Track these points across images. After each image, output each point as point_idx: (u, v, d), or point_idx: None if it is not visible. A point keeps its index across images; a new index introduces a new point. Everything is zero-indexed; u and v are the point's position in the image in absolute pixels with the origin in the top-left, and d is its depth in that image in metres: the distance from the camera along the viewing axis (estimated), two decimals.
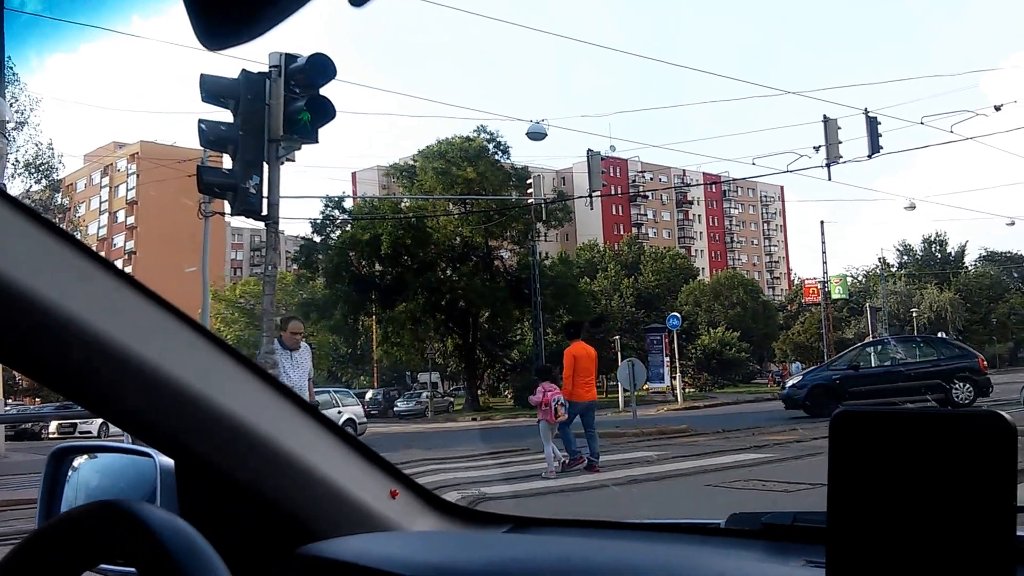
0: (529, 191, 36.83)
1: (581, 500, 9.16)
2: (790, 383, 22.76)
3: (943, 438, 0.79)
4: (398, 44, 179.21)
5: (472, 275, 43.97)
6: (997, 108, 21.54)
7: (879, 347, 23.98)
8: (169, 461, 1.47)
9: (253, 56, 9.35)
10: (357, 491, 1.38)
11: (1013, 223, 54.74)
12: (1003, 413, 0.77)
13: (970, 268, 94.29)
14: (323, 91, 9.26)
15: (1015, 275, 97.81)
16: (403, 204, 46.96)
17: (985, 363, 22.53)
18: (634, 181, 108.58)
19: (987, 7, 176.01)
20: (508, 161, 46.11)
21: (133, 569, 0.86)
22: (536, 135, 25.06)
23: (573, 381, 12.07)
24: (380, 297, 44.67)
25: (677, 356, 41.05)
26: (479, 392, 49.25)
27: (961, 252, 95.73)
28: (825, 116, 20.43)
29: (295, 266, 51.93)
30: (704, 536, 1.41)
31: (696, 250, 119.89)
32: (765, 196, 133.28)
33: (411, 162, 47.77)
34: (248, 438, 1.21)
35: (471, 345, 47.26)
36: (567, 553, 1.38)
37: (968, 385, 20.81)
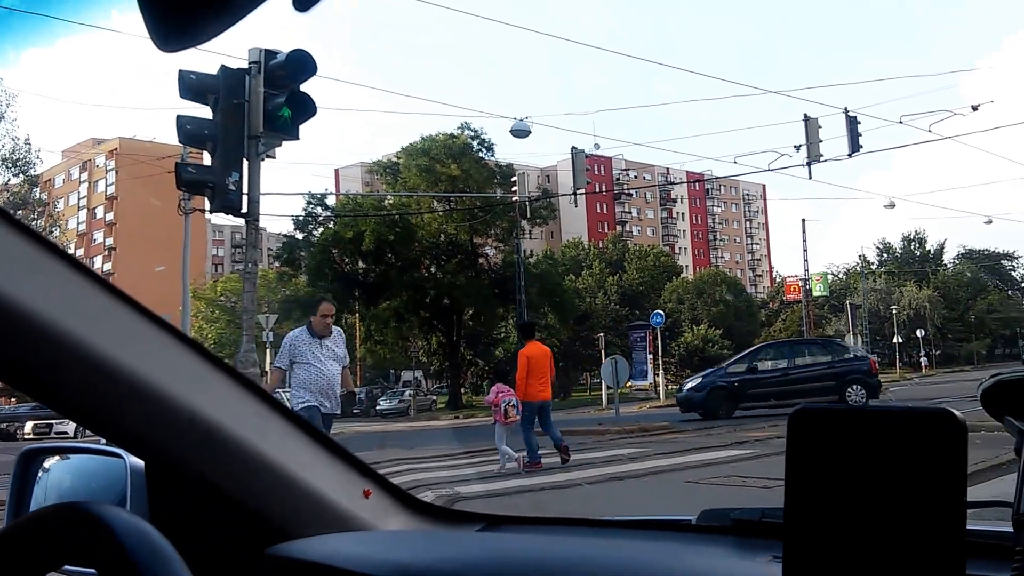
0: (514, 188, 36.84)
1: (557, 498, 9.12)
2: (688, 385, 22.37)
3: (896, 435, 0.81)
4: (381, 40, 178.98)
5: (456, 273, 43.94)
6: (974, 108, 21.67)
7: (774, 350, 24.06)
8: (140, 462, 1.47)
9: (233, 52, 9.24)
10: (330, 491, 1.37)
11: (991, 221, 55.05)
12: (954, 411, 0.78)
13: (948, 266, 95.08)
14: (304, 87, 9.22)
15: (993, 273, 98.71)
16: (387, 201, 46.89)
17: (877, 366, 22.73)
18: (618, 179, 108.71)
19: (964, 7, 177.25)
20: (492, 158, 46.10)
21: (94, 570, 0.86)
22: (520, 132, 25.03)
23: (527, 381, 12.12)
24: (363, 295, 44.57)
25: (660, 353, 41.18)
26: (462, 390, 49.24)
27: (940, 250, 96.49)
28: (806, 115, 20.54)
29: (277, 263, 51.72)
30: (676, 532, 1.43)
31: (680, 248, 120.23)
32: (747, 194, 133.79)
33: (395, 159, 47.69)
34: (218, 438, 1.20)
35: (455, 343, 47.24)
36: (538, 550, 1.39)
37: (861, 388, 20.89)
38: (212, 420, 1.19)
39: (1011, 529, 0.98)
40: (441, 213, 44.71)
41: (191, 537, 1.28)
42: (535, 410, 12.19)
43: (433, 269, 45.51)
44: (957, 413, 0.78)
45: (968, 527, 1.01)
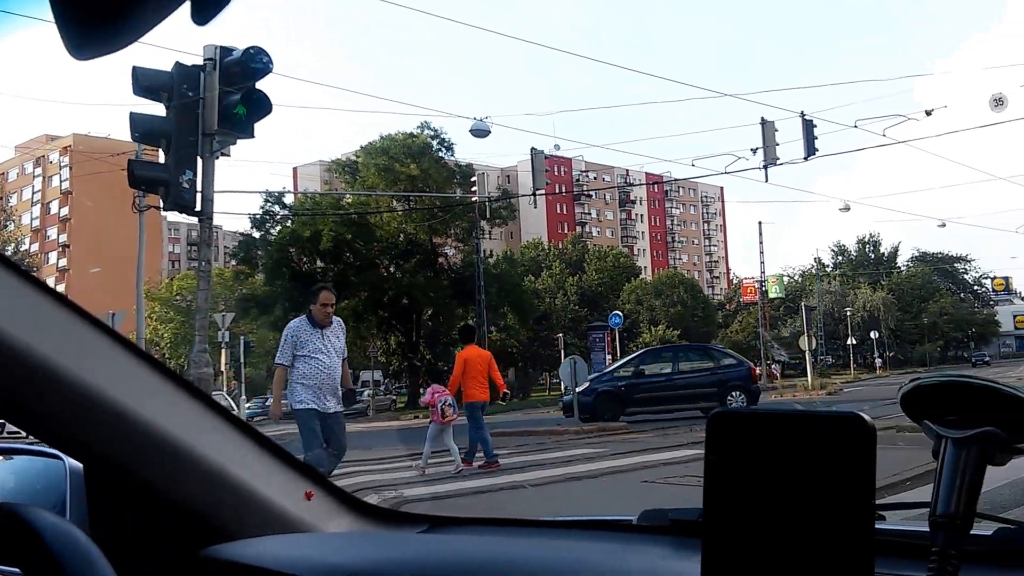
0: (473, 189, 36.84)
1: (508, 499, 9.07)
2: (576, 389, 21.64)
3: (809, 437, 0.82)
4: (339, 38, 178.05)
5: (415, 273, 43.81)
6: (928, 113, 21.84)
7: (659, 355, 24.11)
8: (79, 464, 1.45)
9: (188, 48, 9.14)
10: (271, 493, 1.37)
11: (944, 225, 55.92)
12: (863, 414, 0.81)
13: (902, 269, 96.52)
14: (260, 85, 9.14)
15: (946, 276, 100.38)
16: (345, 200, 46.65)
17: (756, 372, 23.13)
18: (578, 180, 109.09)
19: (922, 14, 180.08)
20: (452, 158, 46.03)
21: (18, 570, 0.88)
22: (479, 132, 24.99)
23: (463, 382, 12.32)
24: None
25: (619, 354, 41.31)
26: (421, 390, 49.08)
27: (894, 253, 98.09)
28: (763, 119, 20.69)
29: (234, 262, 51.24)
30: (618, 533, 1.43)
31: (639, 249, 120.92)
32: (706, 196, 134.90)
33: (353, 158, 47.45)
34: (157, 440, 1.20)
35: (414, 343, 47.11)
36: (479, 551, 1.39)
37: (741, 394, 21.19)
38: (149, 422, 1.18)
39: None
40: (400, 213, 44.56)
41: (130, 539, 1.31)
42: (470, 410, 12.38)
43: (392, 269, 45.34)
44: (867, 417, 0.80)
45: (893, 527, 1.08)
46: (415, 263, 44.47)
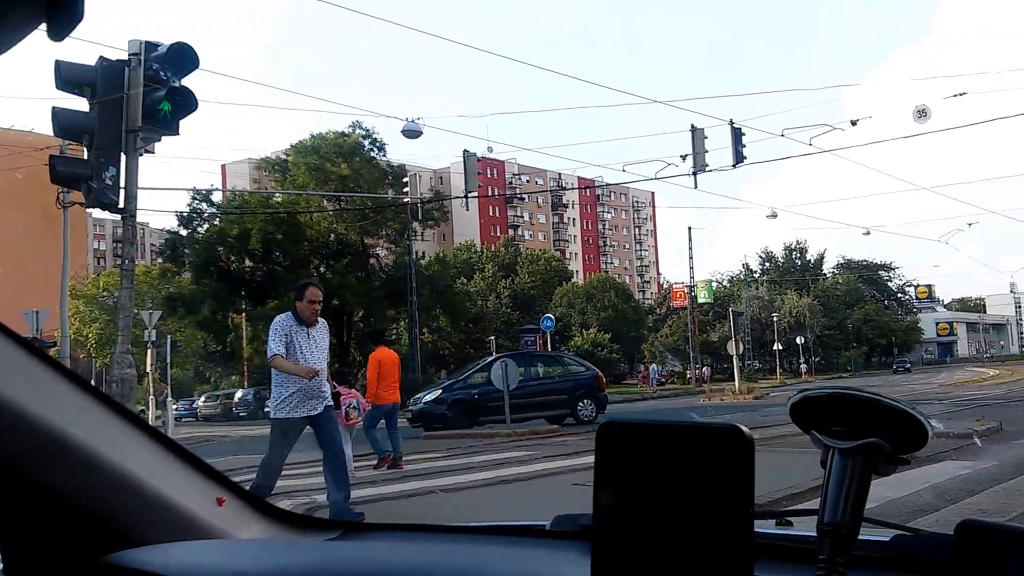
0: (405, 190, 36.63)
1: (420, 504, 9.00)
2: (427, 397, 21.30)
3: (691, 447, 0.87)
4: (270, 35, 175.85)
5: (346, 273, 43.45)
6: (853, 123, 22.23)
7: (512, 362, 23.82)
8: None
9: (113, 43, 8.91)
10: (181, 498, 1.36)
11: (869, 233, 57.55)
12: (741, 426, 0.85)
13: (828, 276, 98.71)
14: (186, 81, 8.96)
15: (870, 283, 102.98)
16: (275, 199, 46.06)
17: (604, 380, 23.22)
18: (511, 183, 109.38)
19: (851, 26, 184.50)
20: (384, 159, 45.74)
21: None
22: (411, 133, 24.86)
23: (377, 384, 12.45)
24: (250, 293, 43.68)
25: None
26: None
27: (820, 260, 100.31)
28: (693, 126, 20.86)
29: (160, 260, 50.26)
30: (530, 538, 1.45)
31: (571, 253, 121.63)
32: (637, 202, 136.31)
33: (283, 156, 46.84)
34: (62, 445, 1.18)
35: (345, 344, 46.70)
36: (391, 558, 1.40)
37: (591, 402, 21.40)
38: (56, 427, 1.17)
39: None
40: (331, 212, 44.17)
41: (34, 545, 1.30)
42: (385, 412, 12.50)
43: (322, 269, 44.88)
44: (744, 428, 0.85)
45: (791, 532, 1.12)
46: (346, 264, 44.11)
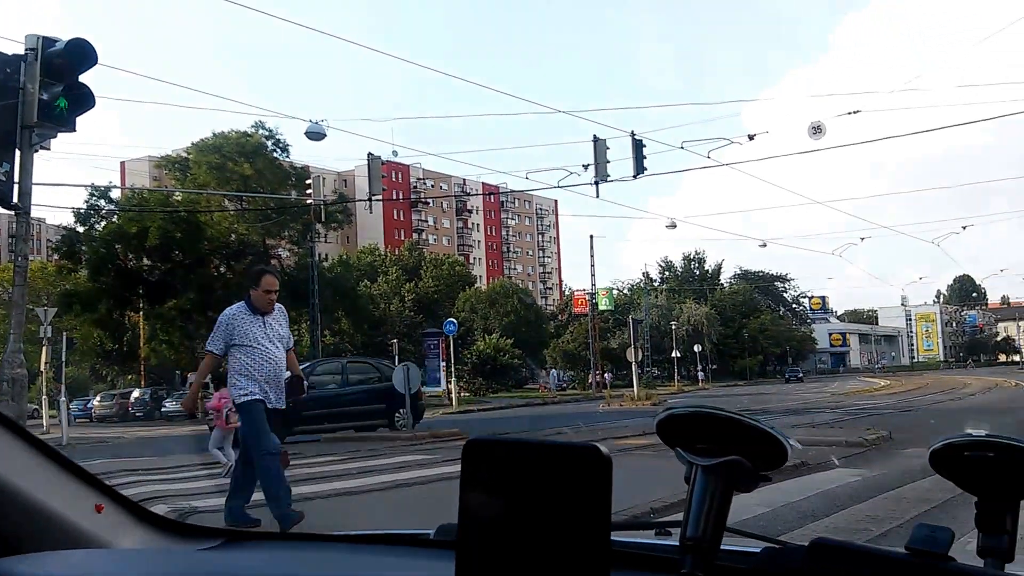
0: (308, 191, 36.23)
1: (319, 509, 8.53)
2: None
3: (552, 464, 0.91)
4: (172, 32, 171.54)
5: (247, 273, 42.74)
6: (751, 137, 22.57)
7: (327, 367, 23.00)
8: None
9: (8, 35, 8.69)
10: (57, 505, 1.33)
11: (765, 245, 59.52)
12: (600, 446, 0.89)
13: (725, 285, 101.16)
14: (84, 78, 8.78)
15: (766, 294, 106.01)
16: (175, 197, 45.07)
17: (422, 389, 22.62)
18: (415, 187, 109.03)
19: (751, 43, 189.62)
20: (288, 159, 45.19)
21: None
22: (315, 135, 24.68)
23: None
24: (148, 292, 42.65)
25: (453, 361, 41.62)
26: None
27: (717, 270, 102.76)
28: (595, 136, 21.14)
29: (57, 256, 48.65)
30: (413, 548, 1.47)
31: (474, 258, 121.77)
32: (540, 209, 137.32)
33: (184, 155, 45.89)
34: None
35: None
36: (273, 568, 1.41)
37: (408, 412, 20.65)
38: None
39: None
40: (232, 212, 43.41)
41: None
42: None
43: (223, 269, 44.08)
44: (603, 448, 0.89)
45: (662, 542, 1.22)
46: (247, 264, 43.41)
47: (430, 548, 1.44)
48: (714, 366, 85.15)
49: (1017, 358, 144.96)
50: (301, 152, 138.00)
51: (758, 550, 1.17)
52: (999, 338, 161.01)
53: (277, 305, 7.12)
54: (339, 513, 7.44)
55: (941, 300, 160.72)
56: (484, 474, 0.95)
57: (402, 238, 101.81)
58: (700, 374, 77.03)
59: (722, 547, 1.11)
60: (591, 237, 57.23)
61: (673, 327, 74.19)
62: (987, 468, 1.10)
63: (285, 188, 43.19)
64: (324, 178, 41.15)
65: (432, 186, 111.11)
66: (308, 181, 38.15)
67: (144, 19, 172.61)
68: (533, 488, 0.91)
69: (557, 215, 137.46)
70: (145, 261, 43.03)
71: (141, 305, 44.15)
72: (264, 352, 6.90)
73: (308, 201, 36.05)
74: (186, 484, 11.21)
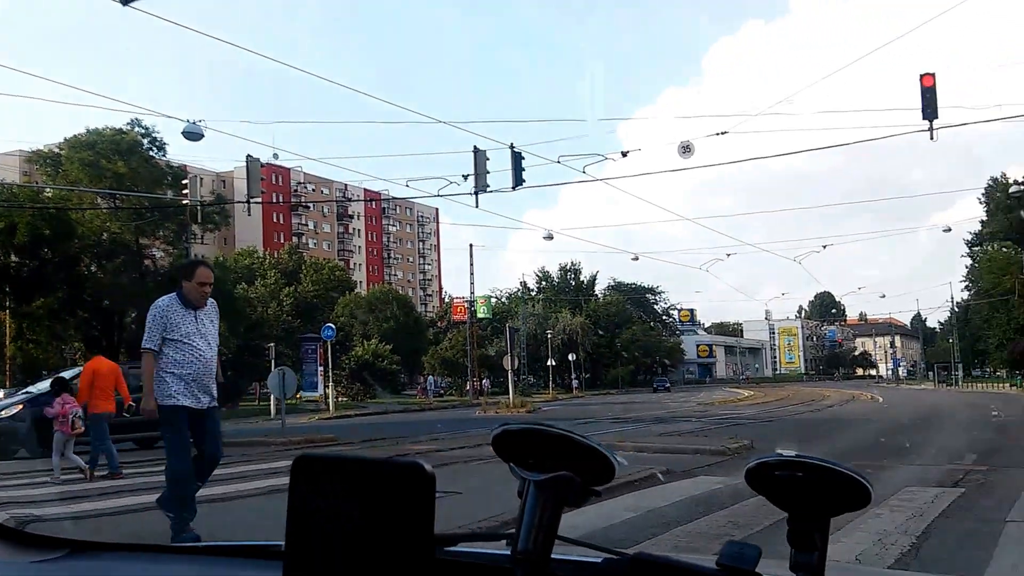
0: (185, 191, 35.72)
1: (154, 521, 7.62)
2: (3, 413, 17.03)
3: (377, 481, 0.94)
4: (46, 25, 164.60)
5: (119, 273, 41.75)
6: (624, 154, 23.13)
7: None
8: None
9: None
10: None
11: (637, 258, 61.50)
12: (423, 463, 0.93)
13: (599, 296, 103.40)
14: None
15: (638, 305, 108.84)
16: (45, 193, 43.61)
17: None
18: (296, 191, 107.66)
19: (628, 61, 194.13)
20: (164, 158, 44.31)
21: None
22: (192, 135, 24.43)
23: (91, 393, 12.36)
24: (15, 290, 41.11)
25: (331, 366, 41.53)
26: None
27: (592, 281, 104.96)
28: (475, 147, 21.57)
29: None
30: (264, 560, 1.41)
31: (355, 263, 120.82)
32: (422, 216, 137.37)
33: (56, 150, 44.47)
34: None
35: (115, 346, 44.72)
36: None
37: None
38: None
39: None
40: (105, 210, 42.29)
41: None
42: (95, 420, 12.33)
43: (93, 268, 42.87)
44: (427, 465, 0.92)
45: (492, 552, 1.25)
46: (119, 263, 42.39)
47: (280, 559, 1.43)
48: (588, 375, 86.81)
49: (873, 372, 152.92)
50: (179, 152, 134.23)
51: (599, 560, 1.20)
52: (856, 353, 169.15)
53: (210, 300, 6.79)
54: (204, 522, 7.00)
55: (803, 315, 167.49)
56: (312, 489, 0.97)
57: (281, 241, 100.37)
58: (574, 382, 78.39)
59: (560, 557, 1.16)
60: (471, 246, 58.07)
61: (549, 336, 75.39)
62: (796, 487, 1.12)
63: (161, 187, 42.29)
64: (202, 178, 40.72)
65: (313, 190, 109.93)
66: (185, 181, 37.60)
67: (18, 10, 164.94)
68: (358, 503, 0.93)
69: (438, 223, 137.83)
70: (13, 258, 41.48)
71: (7, 303, 42.53)
72: (195, 349, 6.51)
73: (184, 201, 35.52)
74: (30, 491, 10.78)
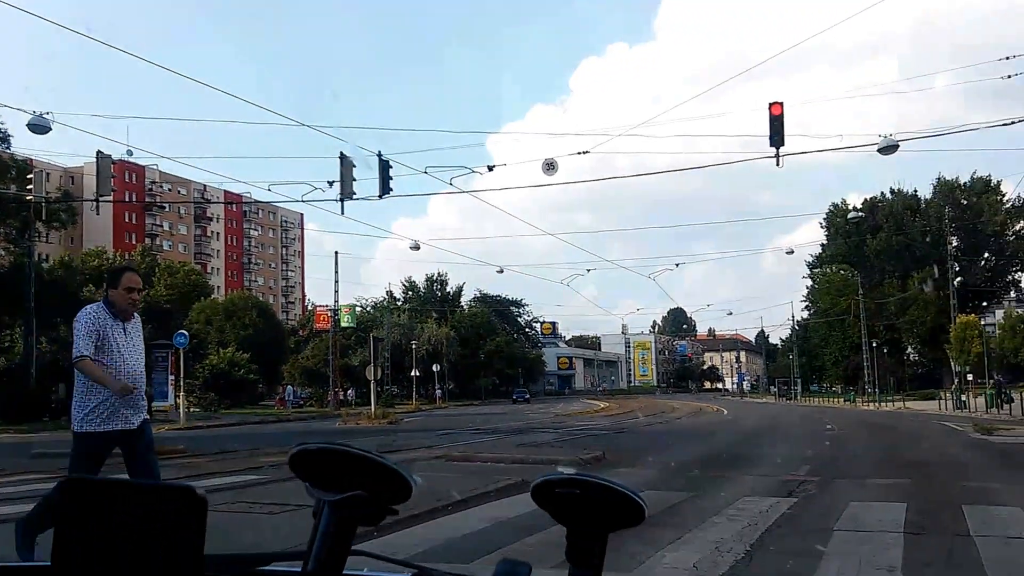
0: (29, 186, 33.57)
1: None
2: None
3: (147, 505, 0.94)
4: None
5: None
6: (490, 168, 23.50)
7: None
8: None
9: None
10: None
11: (502, 271, 61.69)
12: (195, 487, 0.94)
13: (465, 307, 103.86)
14: None
15: (502, 317, 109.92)
16: None
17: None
18: (151, 190, 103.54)
19: (499, 76, 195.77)
20: (8, 151, 41.66)
21: None
22: (38, 128, 22.90)
23: None
24: None
25: (183, 375, 39.79)
26: None
27: (458, 292, 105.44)
28: (342, 153, 21.11)
29: None
30: None
31: (213, 267, 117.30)
32: (286, 221, 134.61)
33: None
34: None
35: None
36: None
37: None
38: None
39: None
40: None
41: None
42: None
43: None
44: (199, 490, 0.94)
45: (284, 569, 1.23)
46: None
47: None
48: (452, 385, 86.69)
49: (720, 385, 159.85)
50: (24, 144, 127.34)
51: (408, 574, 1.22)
52: (705, 367, 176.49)
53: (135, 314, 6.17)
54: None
55: (656, 330, 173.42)
56: (80, 513, 0.95)
57: (133, 242, 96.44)
58: (438, 392, 78.14)
59: (353, 574, 1.17)
60: (336, 253, 57.30)
61: (414, 346, 74.87)
62: (574, 503, 1.18)
63: (3, 181, 39.81)
64: (48, 174, 38.29)
65: (169, 190, 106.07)
66: (30, 176, 35.40)
67: None
68: (127, 527, 0.93)
69: (303, 229, 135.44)
70: None
71: None
72: (124, 363, 5.87)
73: (28, 197, 33.43)
74: None
